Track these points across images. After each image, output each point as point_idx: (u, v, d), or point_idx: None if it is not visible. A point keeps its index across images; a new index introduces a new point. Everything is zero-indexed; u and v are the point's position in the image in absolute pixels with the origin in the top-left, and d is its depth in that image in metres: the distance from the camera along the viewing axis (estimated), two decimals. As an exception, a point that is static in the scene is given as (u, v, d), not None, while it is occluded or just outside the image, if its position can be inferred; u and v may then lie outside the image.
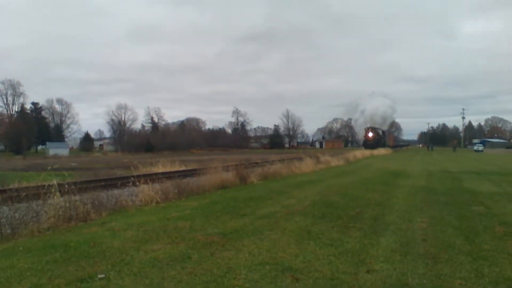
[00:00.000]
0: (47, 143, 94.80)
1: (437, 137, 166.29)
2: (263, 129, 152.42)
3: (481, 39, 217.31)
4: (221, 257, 5.37)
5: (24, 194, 8.81)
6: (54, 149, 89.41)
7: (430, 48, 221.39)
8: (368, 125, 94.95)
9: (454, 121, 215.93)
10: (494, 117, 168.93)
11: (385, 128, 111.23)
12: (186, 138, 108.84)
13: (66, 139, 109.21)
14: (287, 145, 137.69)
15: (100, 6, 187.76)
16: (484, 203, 10.55)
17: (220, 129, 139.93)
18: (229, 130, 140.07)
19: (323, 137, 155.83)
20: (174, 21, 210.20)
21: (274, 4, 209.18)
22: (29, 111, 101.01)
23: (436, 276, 4.79)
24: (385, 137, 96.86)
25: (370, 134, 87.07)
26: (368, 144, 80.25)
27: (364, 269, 4.98)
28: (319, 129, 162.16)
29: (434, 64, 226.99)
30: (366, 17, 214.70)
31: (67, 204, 8.40)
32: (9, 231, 7.62)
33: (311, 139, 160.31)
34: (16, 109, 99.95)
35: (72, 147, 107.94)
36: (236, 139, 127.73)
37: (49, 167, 12.87)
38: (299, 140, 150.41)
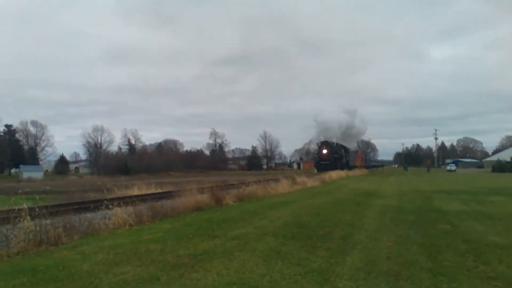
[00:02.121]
0: (20, 166, 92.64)
1: (412, 157, 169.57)
2: (241, 150, 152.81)
3: (448, 62, 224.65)
4: (190, 278, 5.47)
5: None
6: (28, 173, 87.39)
7: (400, 70, 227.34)
8: (321, 139, 70.92)
9: (428, 142, 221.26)
10: (465, 138, 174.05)
11: (352, 145, 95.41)
12: (164, 160, 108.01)
13: (40, 162, 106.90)
14: (265, 166, 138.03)
15: (75, 27, 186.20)
16: (451, 222, 10.88)
17: (198, 150, 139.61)
18: (207, 152, 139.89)
19: (301, 158, 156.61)
20: (150, 43, 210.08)
21: (249, 27, 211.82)
22: (2, 134, 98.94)
23: (397, 292, 4.99)
24: (348, 155, 72.87)
25: (325, 151, 61.78)
26: (322, 165, 58.75)
27: (328, 287, 5.15)
28: (296, 150, 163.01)
29: (405, 86, 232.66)
30: (338, 40, 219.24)
31: (38, 228, 8.34)
32: (-23, 256, 7.55)
33: (288, 160, 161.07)
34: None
35: (47, 170, 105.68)
36: (214, 160, 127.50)
37: (20, 191, 12.74)
38: (277, 161, 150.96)
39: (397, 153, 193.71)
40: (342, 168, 58.30)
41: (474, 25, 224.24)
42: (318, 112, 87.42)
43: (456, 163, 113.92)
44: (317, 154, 65.18)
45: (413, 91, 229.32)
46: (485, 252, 7.15)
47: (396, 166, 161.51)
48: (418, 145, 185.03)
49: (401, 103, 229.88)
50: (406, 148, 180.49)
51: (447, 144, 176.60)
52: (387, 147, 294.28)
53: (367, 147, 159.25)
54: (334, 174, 42.85)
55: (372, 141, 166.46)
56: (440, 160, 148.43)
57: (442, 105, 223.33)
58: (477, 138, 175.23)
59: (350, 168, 66.83)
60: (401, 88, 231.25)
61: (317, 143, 67.31)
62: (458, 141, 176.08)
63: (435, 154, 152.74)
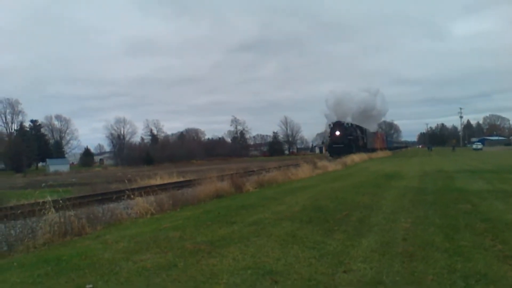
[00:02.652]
0: (47, 160, 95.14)
1: (436, 138, 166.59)
2: (262, 136, 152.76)
3: (473, 39, 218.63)
4: (206, 264, 5.60)
5: (19, 211, 9.08)
6: (54, 166, 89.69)
7: (422, 50, 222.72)
8: (334, 119, 61.52)
9: (453, 121, 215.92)
10: (492, 115, 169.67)
11: (373, 127, 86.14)
12: (186, 149, 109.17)
13: (66, 155, 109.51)
14: (286, 152, 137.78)
15: (94, 22, 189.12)
16: (472, 201, 10.75)
17: (219, 138, 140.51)
18: (228, 139, 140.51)
19: (323, 142, 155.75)
20: (169, 34, 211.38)
21: (267, 13, 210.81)
22: (28, 129, 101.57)
23: (410, 273, 5.01)
24: (366, 137, 65.11)
25: (338, 133, 53.34)
26: (335, 148, 51.88)
27: (341, 269, 5.20)
28: (318, 134, 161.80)
29: (427, 66, 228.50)
30: (357, 23, 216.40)
31: (62, 220, 8.63)
32: (5, 248, 7.88)
33: (310, 145, 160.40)
34: (16, 128, 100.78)
35: (72, 163, 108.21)
36: (235, 148, 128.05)
37: (43, 184, 13.13)
38: (298, 146, 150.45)
39: (421, 133, 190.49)
40: (358, 151, 50.97)
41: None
42: (332, 90, 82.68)
43: (482, 141, 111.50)
44: (329, 137, 55.93)
45: (436, 70, 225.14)
46: (504, 231, 7.07)
47: (420, 146, 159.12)
48: (442, 124, 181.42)
49: (424, 83, 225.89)
50: (430, 128, 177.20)
51: (473, 122, 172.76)
52: (410, 127, 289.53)
53: (390, 129, 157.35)
54: (356, 157, 42.50)
55: (395, 122, 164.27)
56: (466, 139, 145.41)
57: (467, 83, 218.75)
58: (504, 115, 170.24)
59: (368, 150, 60.01)
60: (424, 67, 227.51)
61: (329, 124, 56.89)
62: (484, 119, 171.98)
63: (460, 133, 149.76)
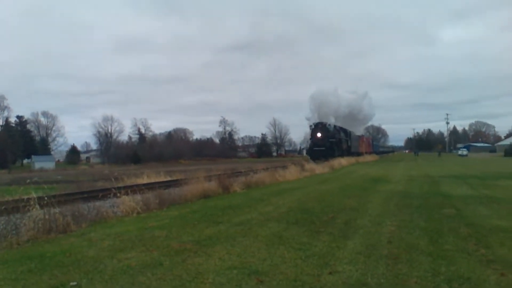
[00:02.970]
0: (32, 156, 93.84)
1: (423, 143, 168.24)
2: (251, 138, 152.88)
3: (461, 45, 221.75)
4: (192, 263, 5.59)
5: (3, 207, 8.96)
6: (40, 163, 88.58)
7: (411, 55, 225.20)
8: (316, 119, 57.01)
9: (439, 126, 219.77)
10: (478, 122, 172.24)
11: (360, 130, 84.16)
12: (174, 148, 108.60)
13: (52, 152, 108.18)
14: (275, 154, 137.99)
15: (85, 19, 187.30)
16: (456, 206, 10.89)
17: (207, 139, 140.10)
18: (216, 140, 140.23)
19: (302, 147, 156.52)
20: (159, 32, 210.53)
21: (258, 14, 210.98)
22: (14, 125, 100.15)
23: (395, 275, 5.05)
24: (350, 140, 60.28)
25: (319, 134, 48.06)
26: (316, 151, 46.62)
27: (327, 271, 5.23)
28: (306, 137, 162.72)
29: (416, 71, 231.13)
30: (348, 26, 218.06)
31: (47, 217, 8.53)
32: (-13, 244, 7.75)
33: (298, 147, 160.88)
34: (1, 123, 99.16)
35: (58, 160, 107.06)
36: (223, 148, 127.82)
37: (28, 181, 12.97)
38: (286, 148, 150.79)
39: (408, 138, 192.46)
40: (342, 155, 47.79)
41: (486, 6, 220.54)
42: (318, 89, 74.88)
43: (467, 147, 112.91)
44: (310, 139, 49.96)
45: (425, 76, 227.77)
46: (487, 236, 7.18)
47: (406, 151, 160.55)
48: (429, 130, 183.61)
49: (412, 88, 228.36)
50: (417, 133, 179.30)
51: (459, 128, 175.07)
52: (398, 132, 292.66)
53: (378, 133, 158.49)
54: (344, 160, 42.70)
55: (383, 126, 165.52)
56: (452, 145, 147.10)
57: (454, 89, 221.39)
58: (489, 122, 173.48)
59: (352, 154, 57.35)
60: (412, 72, 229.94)
61: (310, 126, 51.00)
62: (470, 125, 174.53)
63: (446, 139, 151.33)
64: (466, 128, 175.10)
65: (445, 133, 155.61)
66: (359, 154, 63.28)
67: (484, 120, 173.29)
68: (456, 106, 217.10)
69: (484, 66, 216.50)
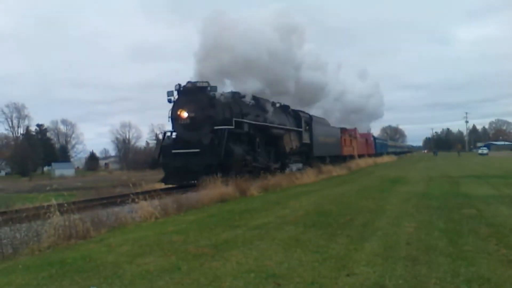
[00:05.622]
0: (52, 164, 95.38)
1: (442, 142, 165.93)
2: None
3: (477, 44, 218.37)
4: (209, 267, 5.62)
5: (24, 215, 9.13)
6: (60, 170, 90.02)
7: (427, 55, 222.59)
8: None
9: (458, 126, 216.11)
10: (498, 120, 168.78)
11: (364, 127, 60.60)
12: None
13: (71, 159, 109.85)
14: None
15: (101, 28, 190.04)
16: (476, 206, 10.71)
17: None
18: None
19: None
20: (174, 39, 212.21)
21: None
22: (34, 133, 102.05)
23: (413, 277, 5.00)
24: (311, 133, 29.66)
25: (185, 114, 19.89)
26: (177, 160, 19.34)
27: (344, 273, 5.20)
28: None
29: (433, 70, 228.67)
30: (362, 28, 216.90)
31: (67, 223, 8.67)
32: (10, 251, 7.90)
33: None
34: (22, 132, 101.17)
35: (78, 167, 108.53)
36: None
37: (48, 188, 13.22)
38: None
39: (426, 138, 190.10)
40: (282, 169, 24.29)
41: (502, 5, 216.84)
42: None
43: (488, 146, 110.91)
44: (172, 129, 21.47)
45: (442, 75, 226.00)
46: (509, 236, 7.04)
47: (425, 151, 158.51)
48: (448, 129, 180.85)
49: (429, 88, 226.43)
50: (436, 133, 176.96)
51: (479, 127, 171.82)
52: (416, 132, 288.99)
53: (395, 133, 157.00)
54: (362, 161, 42.36)
55: (400, 126, 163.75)
56: (472, 144, 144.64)
57: (472, 88, 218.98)
58: (510, 120, 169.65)
59: (317, 159, 30.05)
60: (429, 72, 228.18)
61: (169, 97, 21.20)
62: (490, 123, 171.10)
63: (466, 138, 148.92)
64: (486, 126, 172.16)
65: (465, 132, 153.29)
66: (343, 158, 39.87)
67: (504, 118, 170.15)
68: (474, 105, 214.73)
69: (501, 64, 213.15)
